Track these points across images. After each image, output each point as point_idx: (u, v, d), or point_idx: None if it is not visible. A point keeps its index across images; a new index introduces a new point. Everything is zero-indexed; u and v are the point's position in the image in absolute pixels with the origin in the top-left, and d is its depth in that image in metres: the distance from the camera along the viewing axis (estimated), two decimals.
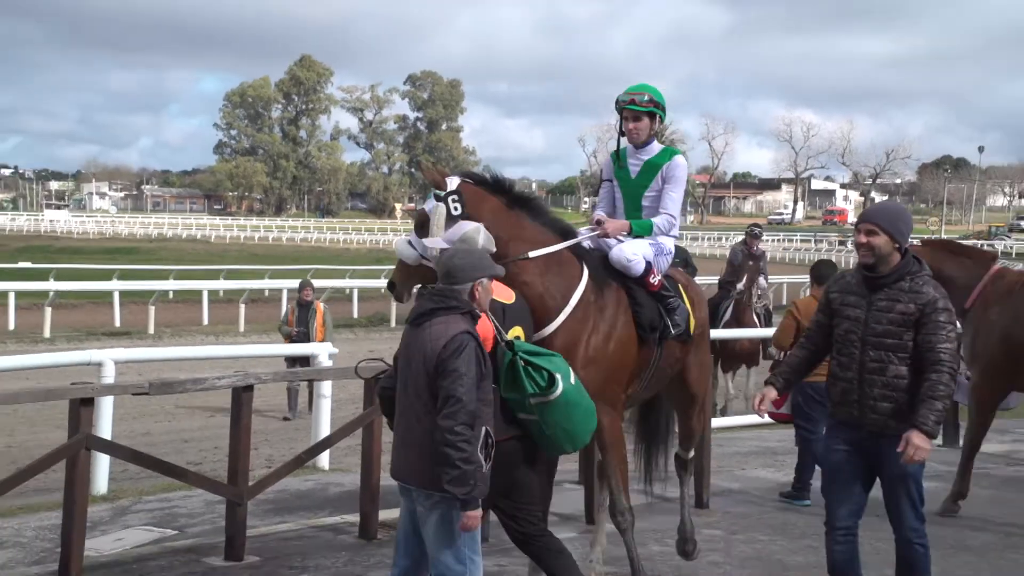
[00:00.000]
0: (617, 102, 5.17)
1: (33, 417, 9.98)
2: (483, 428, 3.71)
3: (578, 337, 4.61)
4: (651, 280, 4.96)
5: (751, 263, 11.22)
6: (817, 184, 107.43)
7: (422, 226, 4.61)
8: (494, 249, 4.40)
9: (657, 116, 5.18)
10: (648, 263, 4.97)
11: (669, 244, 5.19)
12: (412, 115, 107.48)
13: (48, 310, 18.72)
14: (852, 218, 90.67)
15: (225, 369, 8.78)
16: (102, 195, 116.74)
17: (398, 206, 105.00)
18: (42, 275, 23.96)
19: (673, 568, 5.70)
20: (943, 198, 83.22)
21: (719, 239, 60.85)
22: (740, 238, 12.63)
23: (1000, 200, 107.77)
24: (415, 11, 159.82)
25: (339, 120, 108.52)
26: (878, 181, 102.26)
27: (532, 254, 4.64)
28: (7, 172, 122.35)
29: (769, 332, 10.11)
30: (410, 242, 4.64)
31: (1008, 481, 8.12)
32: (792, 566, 5.78)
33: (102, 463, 7.14)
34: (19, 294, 19.83)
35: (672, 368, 5.26)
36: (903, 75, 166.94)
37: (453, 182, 4.58)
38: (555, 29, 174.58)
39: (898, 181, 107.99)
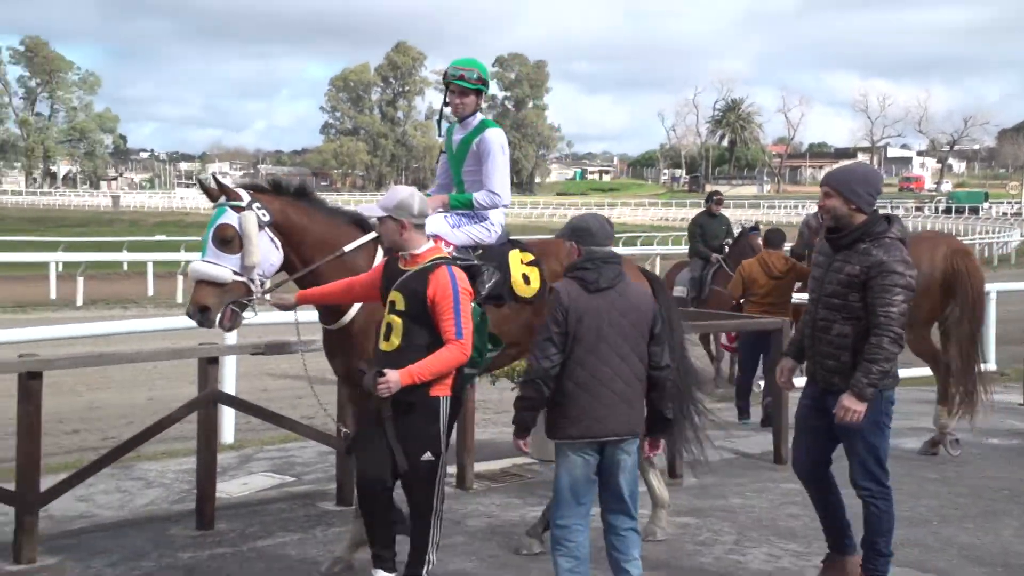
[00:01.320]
0: (445, 75, 4.93)
1: (170, 373, 10.38)
2: None
3: (374, 312, 4.32)
4: None
5: (819, 239, 10.66)
6: (893, 152, 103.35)
7: (227, 241, 4.26)
8: (429, 211, 4.25)
9: (483, 93, 5.02)
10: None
11: (490, 214, 4.97)
12: (500, 95, 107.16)
13: (180, 278, 19.37)
14: (930, 184, 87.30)
15: None
16: (224, 174, 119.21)
17: None
18: (174, 247, 24.84)
19: (754, 519, 5.64)
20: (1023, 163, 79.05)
21: (795, 207, 59.33)
22: (815, 208, 12.12)
23: None
24: None
25: (432, 101, 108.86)
26: (956, 147, 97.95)
27: (347, 248, 4.45)
28: (145, 155, 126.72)
29: None
30: (211, 262, 4.26)
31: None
32: None
33: (228, 415, 7.39)
34: (156, 264, 20.66)
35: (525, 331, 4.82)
36: (978, 43, 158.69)
37: (245, 193, 4.35)
38: (633, 9, 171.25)
39: (976, 147, 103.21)
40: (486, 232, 4.95)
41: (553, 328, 3.88)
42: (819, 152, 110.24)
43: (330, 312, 4.51)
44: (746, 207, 58.81)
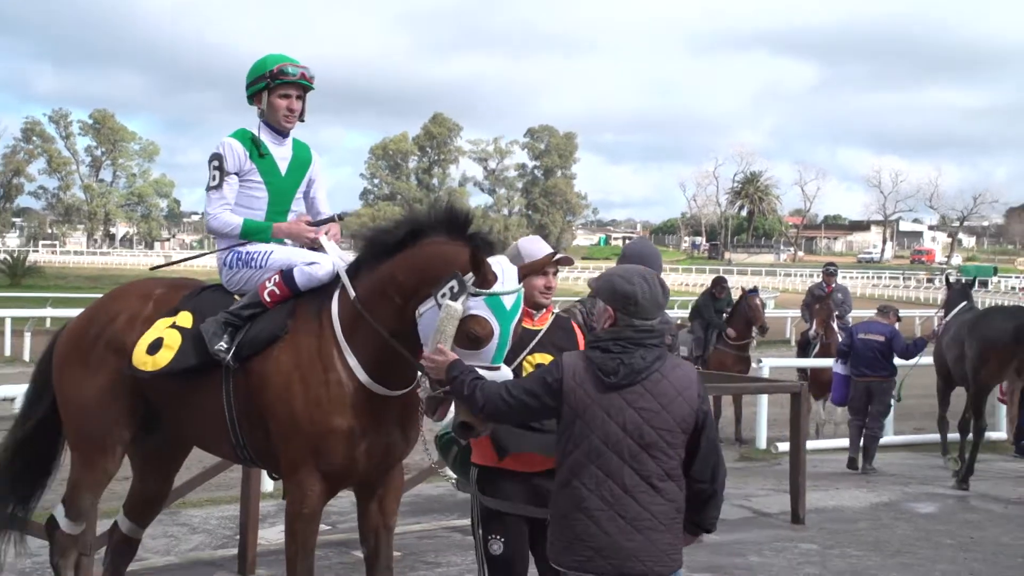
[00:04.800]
0: (278, 72, 3.70)
1: None
2: None
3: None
4: None
5: (818, 306, 10.86)
6: (905, 226, 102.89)
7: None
8: None
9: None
10: None
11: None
12: (530, 164, 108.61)
13: None
14: (940, 257, 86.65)
15: None
16: None
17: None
18: None
19: None
20: None
21: (810, 275, 59.00)
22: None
23: None
24: (532, 73, 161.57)
25: (466, 169, 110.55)
26: (965, 223, 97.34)
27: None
28: (196, 217, 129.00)
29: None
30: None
31: None
32: None
33: None
34: None
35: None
36: (988, 124, 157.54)
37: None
38: (657, 85, 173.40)
39: (985, 223, 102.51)
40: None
41: (531, 397, 2.88)
42: (834, 224, 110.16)
43: (406, 370, 3.36)
44: (763, 274, 58.60)
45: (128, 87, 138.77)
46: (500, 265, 3.11)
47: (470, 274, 3.05)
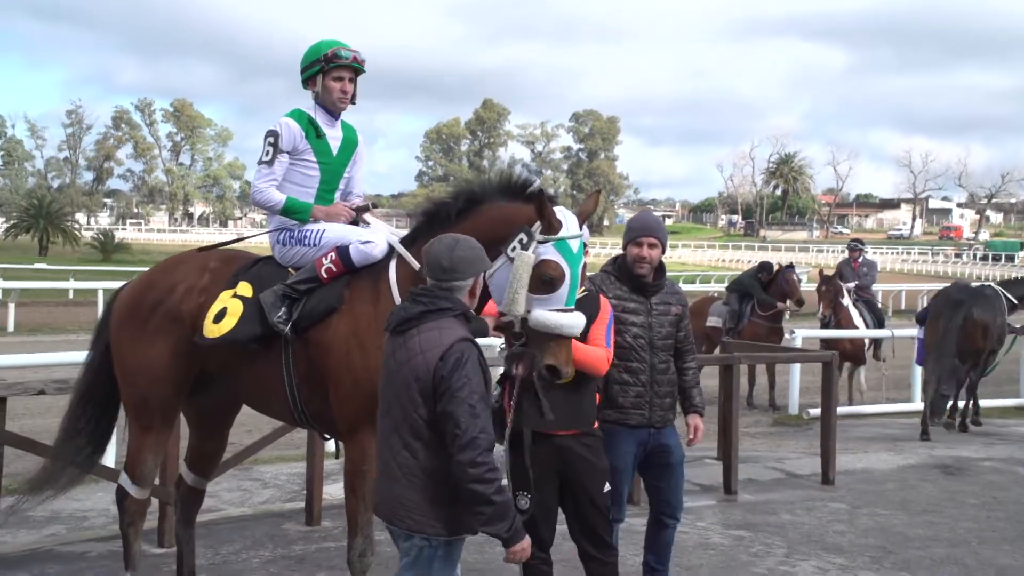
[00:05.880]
0: (332, 56, 3.69)
1: None
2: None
3: None
4: None
5: (824, 288, 10.47)
6: (934, 203, 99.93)
7: None
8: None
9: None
10: None
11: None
12: (575, 147, 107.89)
13: None
14: (968, 234, 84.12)
15: None
16: None
17: None
18: None
19: (803, 534, 5.48)
20: None
21: (842, 252, 57.70)
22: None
23: None
24: (576, 59, 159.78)
25: (514, 151, 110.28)
26: (993, 201, 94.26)
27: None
28: None
29: (868, 333, 10.23)
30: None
31: None
32: (913, 537, 5.43)
33: None
34: None
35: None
36: (1016, 104, 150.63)
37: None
38: (694, 70, 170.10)
39: (1012, 200, 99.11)
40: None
41: None
42: (865, 202, 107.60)
43: None
44: (797, 250, 57.55)
45: (204, 77, 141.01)
46: (562, 212, 3.16)
47: (536, 224, 3.11)
